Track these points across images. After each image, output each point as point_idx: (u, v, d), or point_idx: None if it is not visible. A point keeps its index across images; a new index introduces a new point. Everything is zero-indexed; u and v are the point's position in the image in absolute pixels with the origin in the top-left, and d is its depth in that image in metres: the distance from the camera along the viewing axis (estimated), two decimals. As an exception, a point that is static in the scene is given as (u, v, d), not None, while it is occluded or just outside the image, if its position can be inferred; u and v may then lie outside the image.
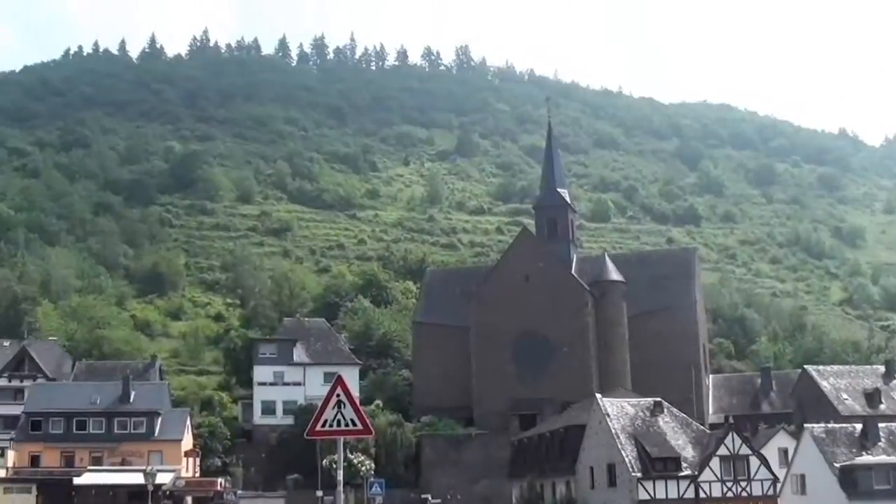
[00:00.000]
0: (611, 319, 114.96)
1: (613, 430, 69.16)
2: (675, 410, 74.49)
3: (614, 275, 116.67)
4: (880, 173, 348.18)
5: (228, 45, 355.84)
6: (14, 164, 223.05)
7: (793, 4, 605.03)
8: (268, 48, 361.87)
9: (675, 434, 70.61)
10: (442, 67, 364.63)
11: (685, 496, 66.29)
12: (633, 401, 75.46)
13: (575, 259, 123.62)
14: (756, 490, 67.56)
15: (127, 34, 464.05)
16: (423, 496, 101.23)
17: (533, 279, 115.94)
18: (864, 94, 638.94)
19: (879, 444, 76.27)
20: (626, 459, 66.90)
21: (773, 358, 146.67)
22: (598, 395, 75.81)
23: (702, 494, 66.28)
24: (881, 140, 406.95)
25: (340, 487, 24.05)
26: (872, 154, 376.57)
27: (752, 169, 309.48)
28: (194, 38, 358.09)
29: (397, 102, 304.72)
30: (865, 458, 73.70)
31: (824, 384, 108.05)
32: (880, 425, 79.43)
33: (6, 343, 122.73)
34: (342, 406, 22.35)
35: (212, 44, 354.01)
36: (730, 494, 66.73)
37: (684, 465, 67.55)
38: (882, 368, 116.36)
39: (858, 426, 79.15)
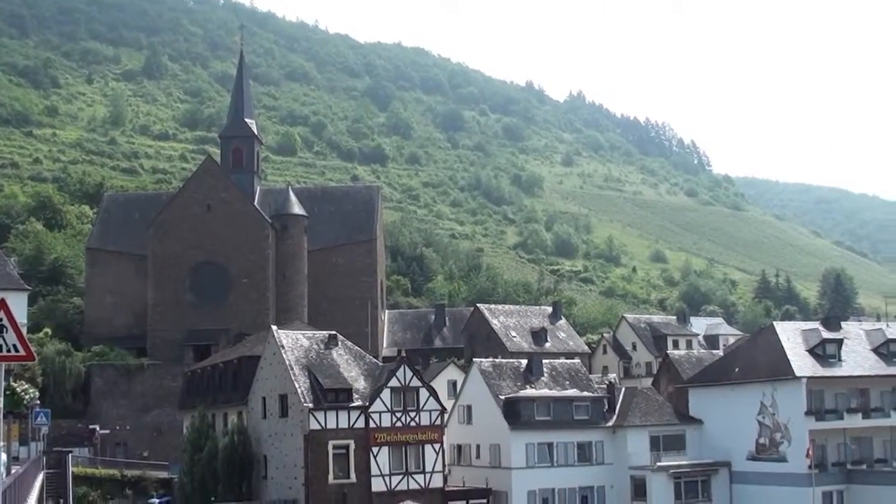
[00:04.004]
0: (291, 252, 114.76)
1: (287, 362, 68.89)
2: (349, 343, 75.08)
3: (297, 208, 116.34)
4: (562, 127, 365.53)
5: None
6: None
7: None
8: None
9: (349, 366, 71.17)
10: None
11: (356, 426, 67.00)
12: (309, 333, 75.41)
13: (258, 191, 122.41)
14: (424, 420, 69.20)
15: None
16: (91, 426, 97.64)
17: (215, 209, 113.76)
18: (550, 47, 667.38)
19: (542, 378, 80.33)
20: (299, 390, 66.82)
21: (448, 296, 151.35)
22: (274, 327, 75.28)
23: (372, 424, 67.17)
24: (565, 95, 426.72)
25: (0, 416, 22.88)
26: (556, 108, 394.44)
27: (440, 114, 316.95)
28: None
29: (84, 16, 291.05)
30: (528, 392, 77.40)
31: (494, 322, 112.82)
32: (544, 361, 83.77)
33: None
34: (4, 331, 21.17)
35: None
36: (399, 424, 68.00)
37: (356, 396, 68.22)
38: (549, 309, 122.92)
39: (524, 362, 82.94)
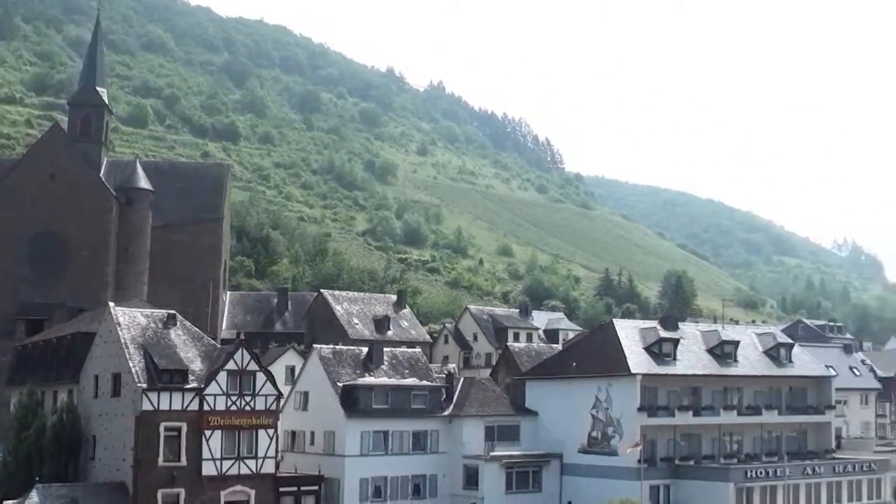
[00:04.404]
0: (135, 228, 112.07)
1: (123, 340, 67.37)
2: (187, 324, 73.78)
3: (143, 182, 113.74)
4: (420, 116, 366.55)
5: None
6: None
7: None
8: None
9: (186, 347, 70.00)
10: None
11: (189, 408, 65.87)
12: (147, 311, 73.85)
13: (105, 162, 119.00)
14: (260, 405, 68.46)
15: None
16: None
17: (58, 178, 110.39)
18: (414, 35, 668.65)
19: (382, 366, 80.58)
20: (133, 370, 65.44)
21: (291, 280, 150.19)
22: (111, 304, 73.58)
23: (206, 407, 66.17)
24: (425, 84, 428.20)
25: None
26: (415, 96, 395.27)
27: (297, 94, 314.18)
28: None
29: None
30: (367, 380, 77.43)
31: (338, 308, 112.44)
32: (385, 349, 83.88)
33: None
34: None
35: None
36: (234, 408, 67.11)
37: (192, 377, 67.13)
38: (394, 298, 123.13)
39: (365, 349, 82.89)
